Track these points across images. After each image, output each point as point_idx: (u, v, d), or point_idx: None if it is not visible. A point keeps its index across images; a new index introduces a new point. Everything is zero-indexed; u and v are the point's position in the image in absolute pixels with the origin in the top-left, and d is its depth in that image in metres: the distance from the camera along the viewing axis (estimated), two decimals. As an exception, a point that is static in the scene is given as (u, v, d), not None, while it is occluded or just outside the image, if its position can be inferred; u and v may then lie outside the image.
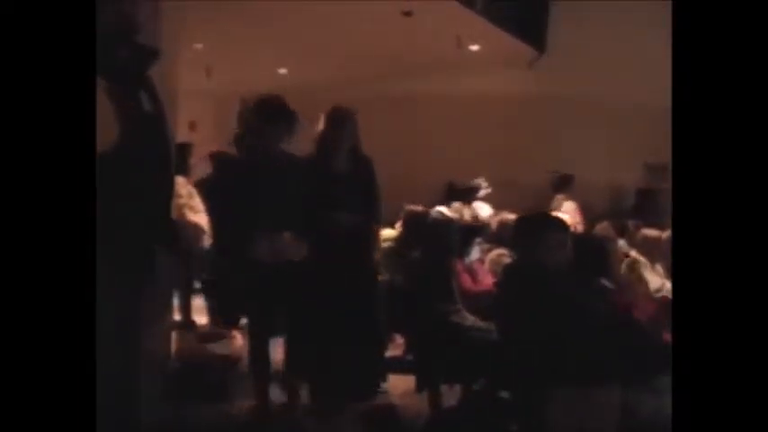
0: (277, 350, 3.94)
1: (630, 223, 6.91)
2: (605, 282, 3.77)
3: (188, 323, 5.59)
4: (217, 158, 4.10)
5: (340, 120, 4.02)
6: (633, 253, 5.54)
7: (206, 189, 4.77)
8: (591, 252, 3.87)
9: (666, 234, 5.61)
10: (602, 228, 6.37)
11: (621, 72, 9.02)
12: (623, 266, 5.28)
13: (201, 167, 5.21)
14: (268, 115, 3.82)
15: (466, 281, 4.49)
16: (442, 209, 6.78)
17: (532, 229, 3.46)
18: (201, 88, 9.53)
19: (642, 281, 5.17)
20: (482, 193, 8.84)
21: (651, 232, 5.69)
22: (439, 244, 4.31)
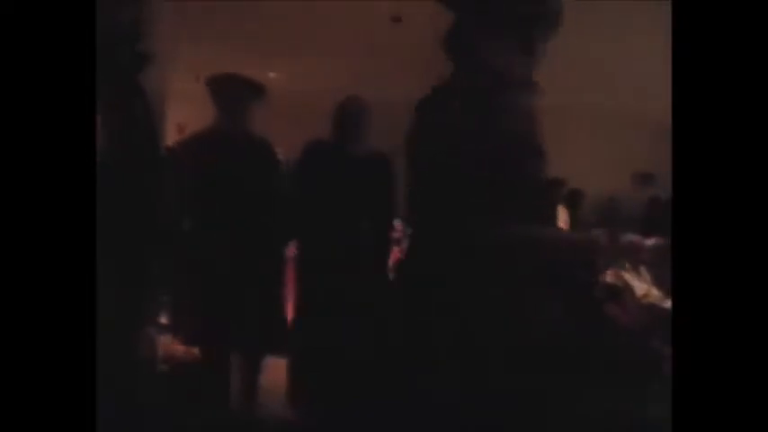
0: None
1: (616, 230, 6.94)
2: (596, 288, 3.80)
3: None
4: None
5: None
6: (619, 260, 5.56)
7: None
8: (582, 259, 3.88)
9: (651, 240, 5.63)
10: (596, 235, 6.38)
11: (615, 81, 9.07)
12: (609, 273, 5.30)
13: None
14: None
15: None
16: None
17: None
18: (190, 90, 9.51)
19: (628, 287, 5.20)
20: None
21: (635, 238, 5.70)
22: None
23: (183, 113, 9.45)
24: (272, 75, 10.18)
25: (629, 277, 5.30)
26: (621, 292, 4.82)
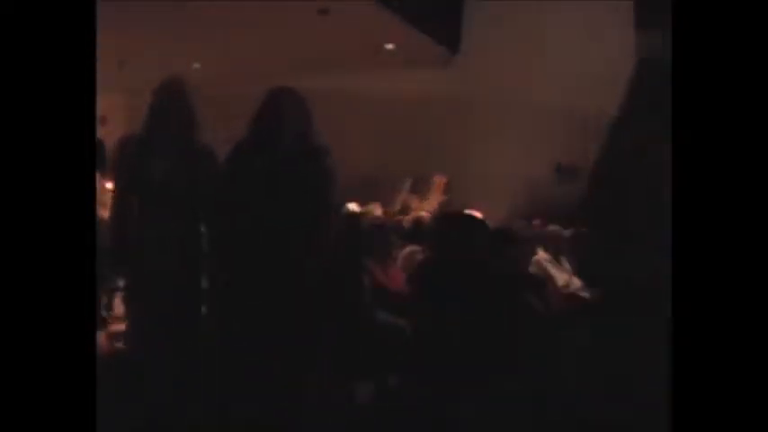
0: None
1: (537, 221, 7.08)
2: (519, 279, 3.85)
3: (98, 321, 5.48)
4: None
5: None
6: (540, 250, 5.68)
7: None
8: (505, 250, 3.94)
9: (569, 231, 5.76)
10: (519, 227, 6.52)
11: (533, 73, 9.20)
12: (531, 263, 5.40)
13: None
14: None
15: (379, 278, 4.52)
16: (353, 206, 6.81)
17: (453, 228, 3.50)
18: (113, 82, 9.32)
19: (549, 278, 5.29)
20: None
21: (554, 229, 5.83)
22: (350, 241, 4.32)
23: (106, 106, 9.25)
24: (195, 66, 10.04)
25: (551, 268, 5.40)
26: (543, 282, 4.92)
